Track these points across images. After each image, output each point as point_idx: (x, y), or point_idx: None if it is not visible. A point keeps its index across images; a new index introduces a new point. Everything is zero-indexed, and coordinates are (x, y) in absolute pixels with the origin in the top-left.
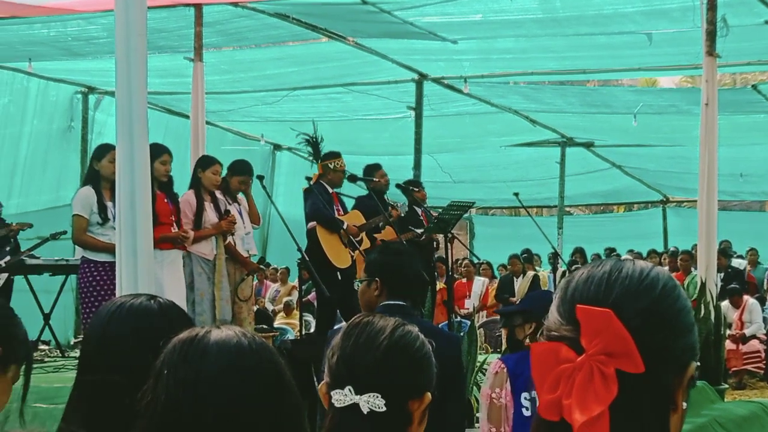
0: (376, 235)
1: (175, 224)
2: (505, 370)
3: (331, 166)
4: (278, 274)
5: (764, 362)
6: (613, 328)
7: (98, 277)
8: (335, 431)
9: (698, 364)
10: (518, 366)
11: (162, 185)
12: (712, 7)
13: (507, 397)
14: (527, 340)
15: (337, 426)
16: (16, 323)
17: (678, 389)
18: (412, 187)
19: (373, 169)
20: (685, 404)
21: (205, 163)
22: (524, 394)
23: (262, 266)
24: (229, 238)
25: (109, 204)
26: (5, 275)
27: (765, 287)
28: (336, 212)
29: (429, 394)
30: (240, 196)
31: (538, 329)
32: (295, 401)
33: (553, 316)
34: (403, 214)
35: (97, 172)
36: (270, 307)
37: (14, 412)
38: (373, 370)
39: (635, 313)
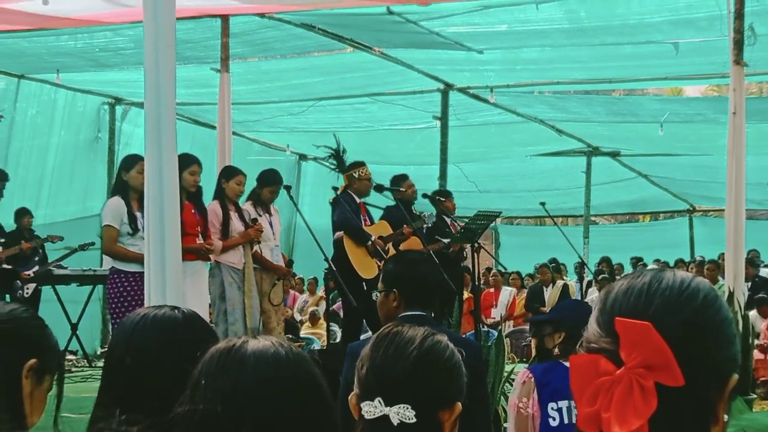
0: (402, 246)
1: (201, 235)
2: (532, 379)
3: (356, 176)
4: (307, 284)
5: None
6: (652, 341)
7: (128, 287)
8: None
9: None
10: (545, 376)
11: (190, 195)
12: (739, 16)
13: (534, 407)
14: (556, 350)
15: None
16: (49, 334)
17: (719, 402)
18: (439, 197)
19: (400, 180)
20: (726, 416)
21: (229, 173)
22: (551, 404)
23: (291, 269)
24: (256, 247)
25: (138, 214)
26: (33, 285)
27: None
28: (363, 222)
29: (459, 404)
30: (274, 207)
31: (569, 339)
32: (331, 411)
33: (592, 327)
34: (429, 225)
35: (126, 183)
36: (298, 317)
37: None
38: (402, 381)
39: (675, 325)
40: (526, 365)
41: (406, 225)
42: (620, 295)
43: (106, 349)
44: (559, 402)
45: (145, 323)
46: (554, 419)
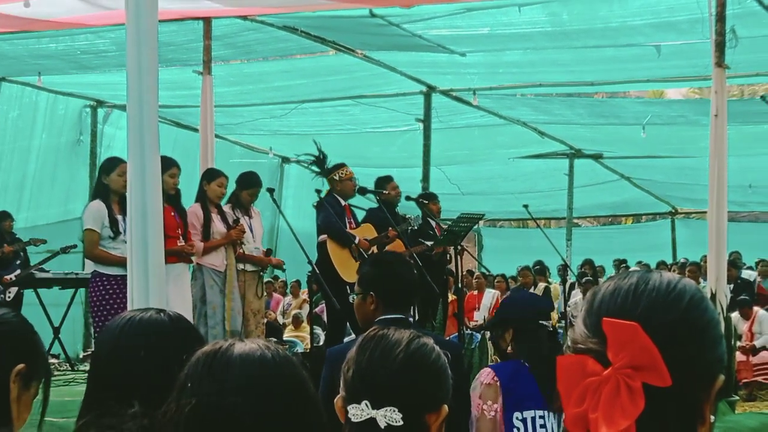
0: (387, 249)
1: (181, 238)
2: (498, 384)
3: (337, 177)
4: (290, 287)
5: None
6: (639, 342)
7: (110, 290)
8: None
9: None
10: (512, 381)
11: (170, 198)
12: (721, 18)
13: (499, 412)
14: (509, 348)
15: None
16: (38, 340)
17: (706, 402)
18: (424, 200)
19: (384, 182)
20: (712, 417)
21: (211, 175)
22: (516, 414)
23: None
24: (240, 249)
25: (120, 217)
26: (15, 289)
27: None
28: (348, 225)
29: (446, 407)
30: (255, 209)
31: (518, 334)
32: (319, 414)
33: (579, 328)
34: (415, 227)
35: (107, 186)
36: (281, 320)
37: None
38: (389, 384)
39: (662, 325)
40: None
41: (390, 227)
42: (607, 296)
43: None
44: (524, 412)
45: (131, 326)
46: (518, 429)
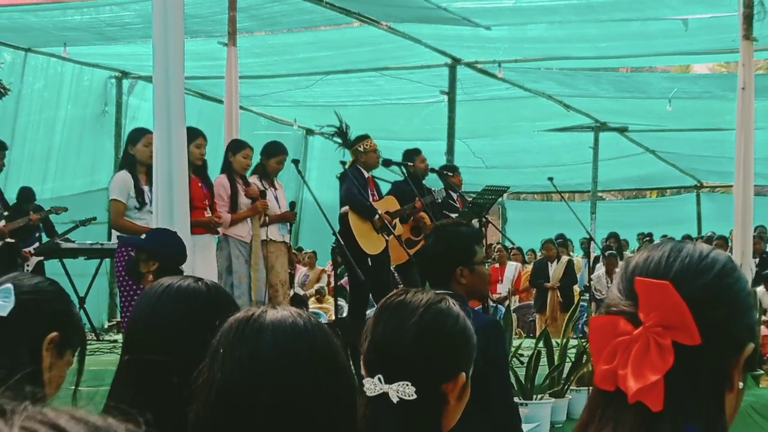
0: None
1: (208, 208)
2: None
3: (361, 149)
4: (306, 258)
5: None
6: (670, 300)
7: None
8: (367, 421)
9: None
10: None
11: (196, 169)
12: None
13: None
14: (150, 276)
15: (369, 415)
16: (73, 310)
17: (734, 369)
18: (447, 172)
19: (413, 154)
20: (741, 385)
21: (236, 147)
22: None
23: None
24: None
25: (146, 188)
26: (35, 260)
27: None
28: (371, 197)
29: (463, 375)
30: (277, 180)
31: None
32: (349, 383)
33: (613, 293)
34: (439, 200)
35: (133, 157)
36: (300, 291)
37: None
38: (402, 358)
39: (694, 288)
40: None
41: (417, 198)
42: (641, 262)
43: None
44: None
45: (169, 293)
46: None
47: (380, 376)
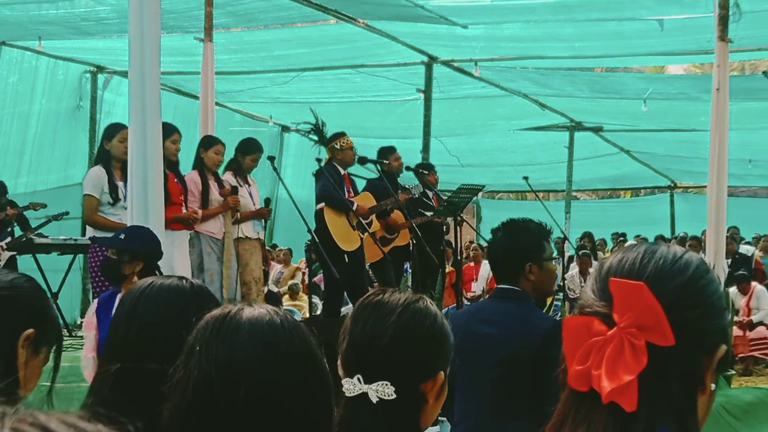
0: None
1: (184, 204)
2: (95, 305)
3: (338, 146)
4: (281, 255)
5: None
6: (644, 301)
7: None
8: (347, 421)
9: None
10: (110, 301)
11: (171, 165)
12: None
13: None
14: (135, 278)
15: (348, 416)
16: (50, 306)
17: (707, 370)
18: (422, 170)
19: (387, 152)
20: (713, 386)
21: (208, 143)
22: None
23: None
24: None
25: (120, 184)
26: (7, 255)
27: None
28: (347, 194)
29: (442, 374)
30: (251, 177)
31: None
32: (326, 380)
33: (587, 294)
34: (416, 196)
35: (108, 152)
36: (274, 288)
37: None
38: (381, 359)
39: (667, 290)
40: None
41: (401, 191)
42: (615, 263)
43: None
44: None
45: (151, 291)
46: None
47: (359, 376)
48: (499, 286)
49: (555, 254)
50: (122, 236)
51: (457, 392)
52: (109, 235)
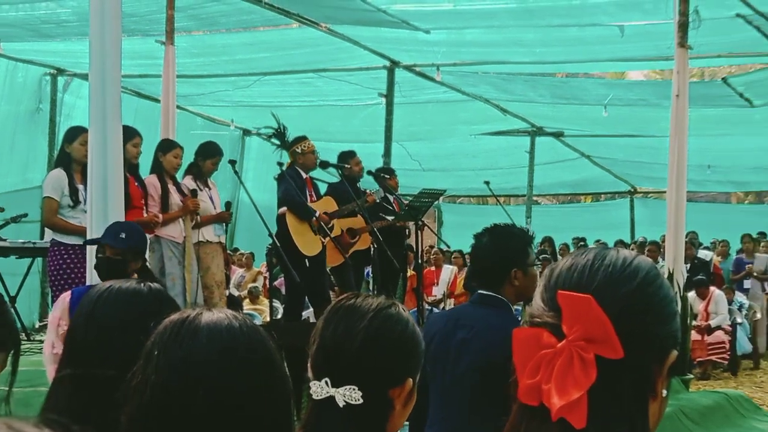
0: (344, 223)
1: (145, 208)
2: (67, 299)
3: (299, 150)
4: (243, 259)
5: (728, 353)
6: (593, 314)
7: (68, 260)
8: (313, 424)
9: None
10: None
11: (131, 168)
12: None
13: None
14: (135, 275)
15: (314, 419)
16: (6, 310)
17: (658, 377)
18: (383, 175)
19: (347, 156)
20: (665, 392)
21: (166, 146)
22: None
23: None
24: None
25: (80, 187)
26: None
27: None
28: (309, 198)
29: (411, 381)
30: (212, 180)
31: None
32: (285, 386)
33: (536, 302)
34: (378, 200)
35: (69, 155)
36: (235, 292)
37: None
38: (350, 363)
39: (616, 299)
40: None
41: (367, 193)
42: (564, 271)
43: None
44: None
45: (110, 294)
46: None
47: (327, 379)
48: (479, 291)
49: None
50: (123, 235)
51: (433, 394)
52: (70, 238)
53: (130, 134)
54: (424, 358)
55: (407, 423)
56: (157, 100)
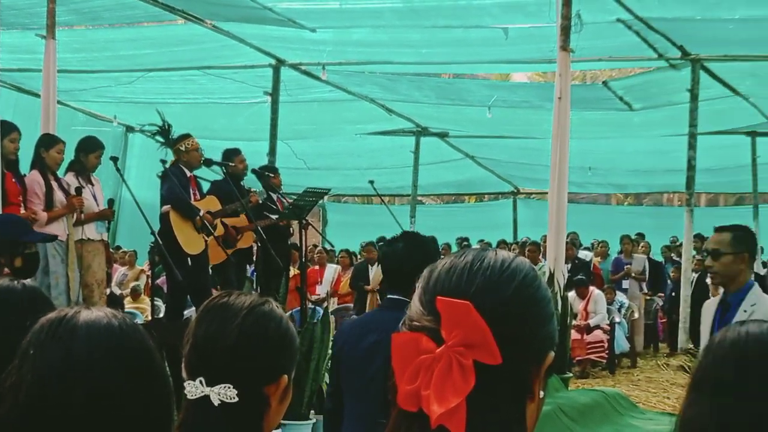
0: (227, 221)
1: (22, 205)
2: None
3: (183, 148)
4: (126, 257)
5: (607, 352)
6: (471, 320)
7: None
8: (189, 424)
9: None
10: None
11: (9, 164)
12: (567, 2)
13: None
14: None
15: (190, 419)
16: None
17: (536, 378)
18: (267, 173)
19: (232, 154)
20: (542, 393)
21: (49, 142)
22: None
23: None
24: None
25: None
26: None
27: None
28: (192, 196)
29: (285, 377)
30: (95, 176)
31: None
32: (165, 385)
33: (415, 305)
34: (261, 201)
35: None
36: (117, 291)
37: None
38: (224, 361)
39: (495, 304)
40: None
41: (251, 192)
42: (443, 274)
43: None
44: None
45: None
46: None
47: (202, 378)
48: (389, 296)
49: None
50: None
51: (348, 395)
52: None
53: (7, 129)
54: (338, 364)
55: (315, 423)
56: (37, 95)
